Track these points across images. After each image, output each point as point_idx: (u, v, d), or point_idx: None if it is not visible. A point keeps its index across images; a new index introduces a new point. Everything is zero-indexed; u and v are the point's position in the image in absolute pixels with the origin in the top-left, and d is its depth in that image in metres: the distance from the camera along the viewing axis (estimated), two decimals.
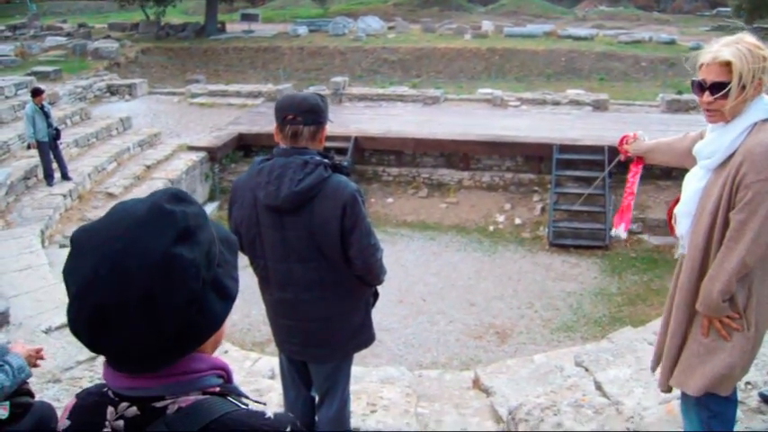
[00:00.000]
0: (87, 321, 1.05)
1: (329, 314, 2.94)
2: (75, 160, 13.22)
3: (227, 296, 1.15)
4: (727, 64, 2.44)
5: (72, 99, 18.64)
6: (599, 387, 4.53)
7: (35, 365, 2.71)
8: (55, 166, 11.90)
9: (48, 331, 6.32)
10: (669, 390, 2.83)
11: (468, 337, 9.75)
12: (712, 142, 2.58)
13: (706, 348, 2.58)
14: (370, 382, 5.16)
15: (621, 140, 3.24)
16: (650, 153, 3.13)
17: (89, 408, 1.17)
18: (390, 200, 14.88)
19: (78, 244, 1.11)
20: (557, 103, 19.26)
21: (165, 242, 1.05)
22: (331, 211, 2.71)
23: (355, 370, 5.77)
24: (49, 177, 11.78)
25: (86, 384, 4.90)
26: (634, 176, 3.30)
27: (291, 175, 2.69)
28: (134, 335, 1.05)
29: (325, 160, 2.77)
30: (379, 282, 3.04)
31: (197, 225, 1.11)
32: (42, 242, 9.50)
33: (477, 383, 5.72)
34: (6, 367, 2.48)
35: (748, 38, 2.47)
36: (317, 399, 3.28)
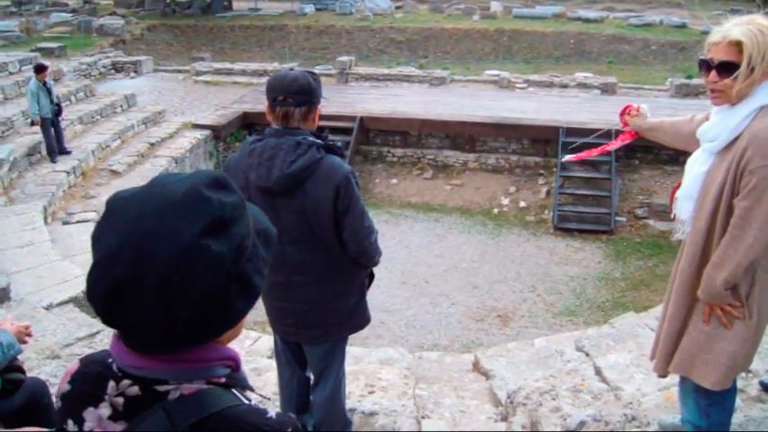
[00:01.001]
0: (104, 292, 1.03)
1: (323, 296, 2.90)
2: (79, 137, 13.19)
3: (250, 293, 1.11)
4: (738, 44, 2.36)
5: (76, 76, 18.56)
6: (599, 372, 4.51)
7: (24, 342, 2.69)
8: None
9: (48, 308, 6.33)
10: (665, 375, 2.79)
11: (470, 320, 9.74)
12: (716, 125, 2.52)
13: (707, 336, 2.54)
14: (369, 363, 5.16)
15: (624, 110, 3.15)
16: (653, 132, 3.05)
17: (91, 377, 1.15)
18: (395, 181, 14.83)
19: (111, 211, 1.08)
20: (564, 86, 19.09)
21: (195, 230, 1.02)
22: (324, 193, 2.66)
23: (355, 351, 5.79)
24: (52, 154, 11.77)
25: None
26: (620, 141, 3.21)
27: (283, 157, 2.64)
28: (147, 317, 1.02)
29: (318, 141, 2.71)
30: (374, 264, 3.00)
31: (232, 216, 1.07)
32: (45, 219, 9.49)
33: (476, 366, 5.71)
34: None
35: (760, 19, 2.39)
36: (311, 379, 3.26)
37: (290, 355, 3.20)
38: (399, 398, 4.04)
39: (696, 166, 2.61)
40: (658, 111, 3.21)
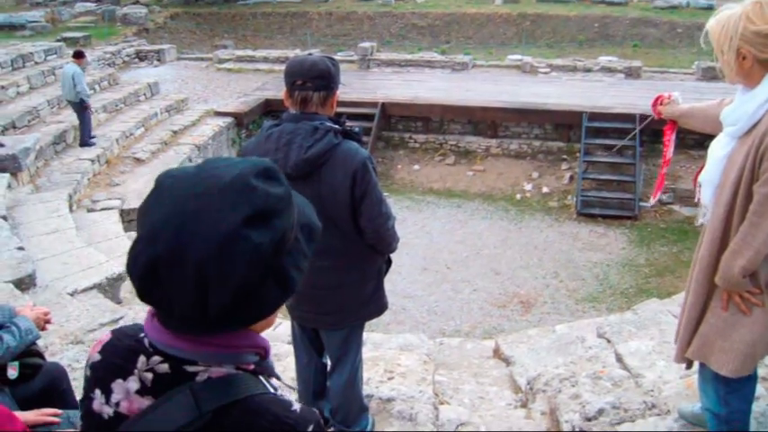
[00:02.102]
0: (141, 268, 1.03)
1: (340, 282, 2.89)
2: (104, 125, 13.31)
3: (286, 286, 1.09)
4: None
5: (101, 65, 18.71)
6: (620, 359, 4.47)
7: (43, 329, 2.72)
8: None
9: (73, 294, 6.41)
10: (686, 362, 2.75)
11: (492, 306, 9.72)
12: (737, 109, 2.47)
13: (725, 323, 2.50)
14: (389, 348, 5.15)
15: (656, 101, 3.10)
16: (684, 118, 3.00)
17: (122, 349, 1.16)
18: (417, 167, 14.79)
19: (161, 188, 1.08)
20: (588, 70, 18.87)
21: (237, 219, 1.01)
22: (341, 178, 2.64)
23: (375, 337, 5.80)
24: (88, 136, 12.11)
25: None
26: (668, 142, 3.18)
27: (300, 142, 2.63)
28: (180, 299, 1.02)
29: (336, 126, 2.69)
30: (392, 250, 2.98)
31: (276, 209, 1.06)
32: (70, 206, 9.60)
33: (497, 353, 5.69)
34: (14, 328, 2.49)
35: (752, 4, 2.31)
36: (328, 365, 3.26)
37: (308, 340, 3.20)
38: (418, 384, 4.03)
39: (717, 150, 2.56)
40: (684, 95, 3.14)
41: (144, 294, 1.06)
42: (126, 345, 1.16)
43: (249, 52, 22.13)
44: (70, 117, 12.78)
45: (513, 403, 4.51)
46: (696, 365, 2.77)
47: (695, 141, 13.07)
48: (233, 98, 16.46)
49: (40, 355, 2.73)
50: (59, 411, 2.44)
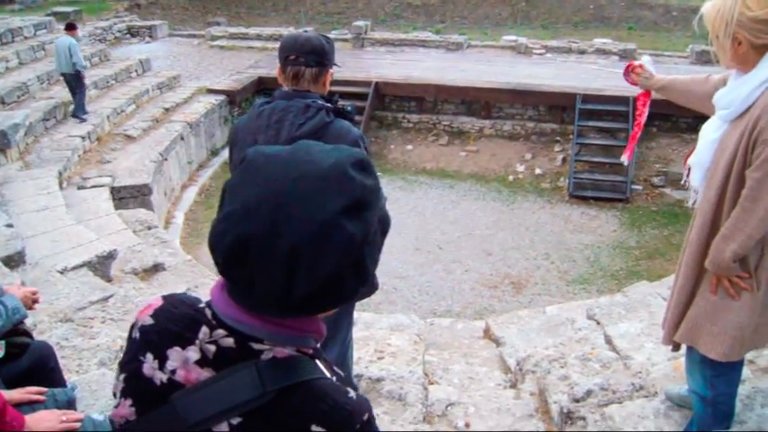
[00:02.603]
0: (229, 245, 1.02)
1: None
2: (94, 102, 13.19)
3: (363, 277, 1.08)
4: None
5: (92, 41, 18.54)
6: (609, 341, 4.49)
7: (31, 308, 2.70)
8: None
9: (63, 271, 6.38)
10: (673, 345, 2.76)
11: (484, 287, 9.75)
12: (731, 92, 2.45)
13: (714, 306, 2.50)
14: (380, 329, 5.16)
15: (627, 69, 3.07)
16: (665, 91, 2.94)
17: (179, 317, 1.14)
18: (410, 147, 14.76)
19: (253, 165, 1.07)
20: (582, 52, 18.82)
21: (335, 208, 1.00)
22: None
23: (366, 317, 5.80)
24: (82, 109, 12.17)
25: (98, 324, 4.95)
26: (643, 106, 3.15)
27: (292, 120, 2.60)
28: (267, 280, 1.01)
29: (328, 104, 2.66)
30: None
31: (370, 200, 1.05)
32: (60, 184, 9.53)
33: (487, 333, 5.71)
34: (0, 308, 2.47)
35: None
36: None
37: None
38: (408, 364, 4.05)
39: (709, 133, 2.54)
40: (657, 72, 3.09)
41: (227, 271, 1.05)
42: (183, 312, 1.15)
43: (242, 29, 21.95)
44: (60, 93, 12.67)
45: (502, 384, 4.52)
46: (683, 348, 2.77)
47: (687, 125, 13.09)
48: (225, 76, 16.35)
49: (28, 334, 2.71)
50: (44, 390, 2.43)
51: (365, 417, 1.11)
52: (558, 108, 14.52)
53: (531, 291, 9.65)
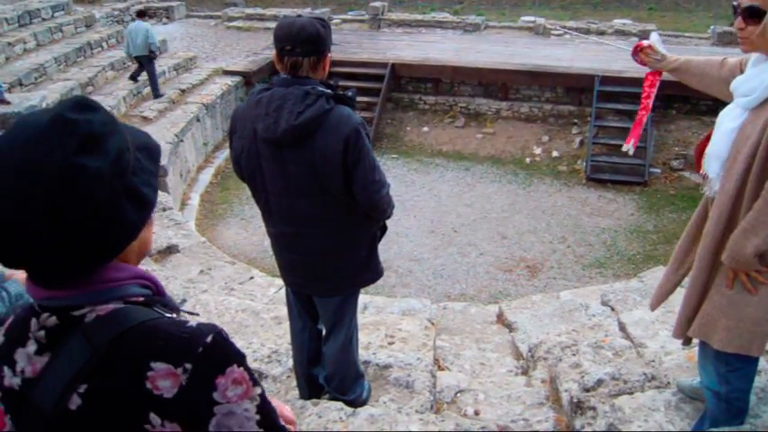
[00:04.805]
0: None
1: (332, 249, 2.85)
2: (111, 83, 13.23)
3: (143, 204, 1.11)
4: None
5: (109, 22, 18.54)
6: (623, 328, 4.44)
7: None
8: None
9: None
10: (686, 340, 2.70)
11: (498, 270, 9.69)
12: (752, 79, 2.35)
13: (729, 301, 2.42)
14: (391, 313, 5.13)
15: (635, 49, 2.96)
16: (678, 72, 2.83)
17: (19, 321, 1.16)
18: (426, 128, 14.66)
19: None
20: (602, 33, 18.55)
21: (67, 152, 1.01)
22: (333, 145, 2.56)
23: (378, 301, 5.78)
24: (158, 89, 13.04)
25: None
26: (651, 87, 3.04)
27: (291, 107, 2.55)
28: (43, 250, 1.02)
29: (328, 91, 2.61)
30: (386, 217, 2.92)
31: (103, 132, 1.06)
32: None
33: (500, 318, 5.67)
34: (3, 294, 2.46)
35: None
36: (323, 331, 3.24)
37: (302, 307, 3.17)
38: (419, 349, 4.02)
39: (727, 122, 2.44)
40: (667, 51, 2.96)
41: (9, 261, 1.05)
42: (22, 316, 1.16)
43: (259, 10, 21.85)
44: (77, 75, 12.71)
45: (513, 370, 4.49)
46: (695, 341, 2.71)
47: (708, 107, 12.87)
48: (242, 57, 16.30)
49: None
50: None
51: (208, 339, 1.09)
52: (575, 90, 14.33)
53: (547, 275, 9.57)
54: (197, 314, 1.26)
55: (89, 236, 1.03)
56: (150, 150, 1.18)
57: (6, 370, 1.13)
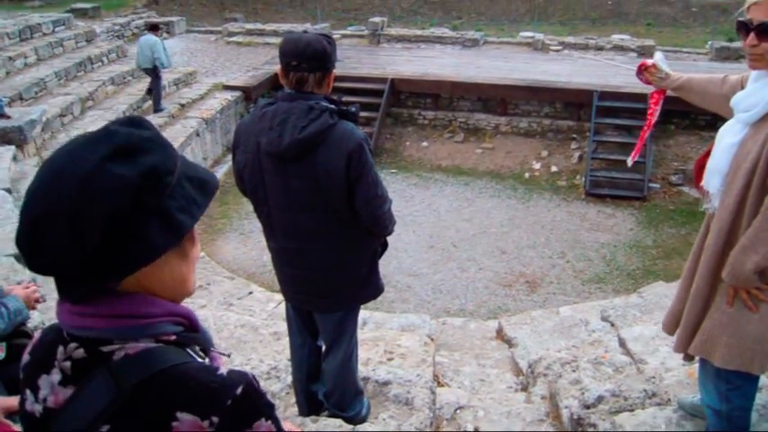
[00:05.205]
0: (24, 234, 1.03)
1: (334, 264, 2.85)
2: (111, 98, 13.25)
3: (173, 229, 1.08)
4: None
5: (109, 36, 18.61)
6: (623, 344, 4.43)
7: (33, 308, 2.69)
8: None
9: None
10: (687, 356, 2.68)
11: (498, 286, 9.67)
12: (753, 94, 2.35)
13: (730, 318, 2.41)
14: (390, 329, 5.12)
15: (639, 68, 2.98)
16: (681, 91, 2.84)
17: (45, 344, 1.14)
18: (425, 143, 14.69)
19: (43, 163, 1.10)
20: (600, 49, 18.62)
21: (100, 155, 1.02)
22: (336, 160, 2.57)
23: (377, 316, 5.76)
24: (160, 103, 13.11)
25: None
26: (655, 105, 3.06)
27: (295, 122, 2.57)
28: (60, 250, 1.01)
29: (332, 106, 2.62)
30: (388, 233, 2.92)
31: (142, 147, 1.06)
32: None
33: (500, 334, 5.66)
34: (2, 309, 2.46)
35: None
36: (323, 347, 3.23)
37: (302, 323, 3.17)
38: (418, 365, 4.00)
39: (728, 137, 2.44)
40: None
41: (31, 262, 1.04)
42: (49, 339, 1.14)
43: (259, 26, 21.94)
44: (77, 89, 12.73)
45: (513, 386, 4.48)
46: (696, 357, 2.70)
47: (706, 122, 12.92)
48: (242, 72, 16.36)
49: (29, 336, 2.70)
50: None
51: (238, 390, 1.06)
52: (574, 105, 14.38)
53: (546, 290, 9.56)
54: (228, 355, 1.23)
55: (101, 243, 1.01)
56: (204, 184, 1.18)
57: (29, 394, 1.12)
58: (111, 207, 1.00)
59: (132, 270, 1.07)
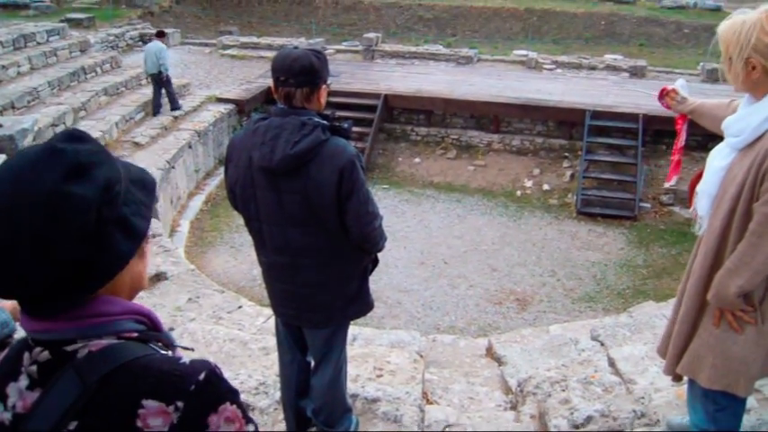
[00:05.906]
0: None
1: (325, 280, 2.84)
2: (104, 109, 13.23)
3: (133, 234, 1.12)
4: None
5: (104, 47, 18.60)
6: (612, 364, 4.42)
7: (19, 320, 2.65)
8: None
9: None
10: (676, 377, 2.69)
11: (488, 303, 9.67)
12: (741, 119, 2.38)
13: (716, 339, 2.42)
14: (380, 345, 5.10)
15: (661, 93, 3.02)
16: (694, 114, 2.89)
17: (12, 355, 1.15)
18: (418, 160, 14.72)
19: None
20: (593, 68, 18.78)
21: (54, 179, 1.02)
22: (327, 175, 2.58)
23: (367, 332, 5.74)
24: (159, 108, 13.67)
25: None
26: (680, 131, 3.12)
27: (287, 137, 2.57)
28: (30, 277, 1.02)
29: (324, 122, 2.63)
30: (378, 249, 2.92)
31: (91, 162, 1.07)
32: None
33: (490, 352, 5.64)
34: None
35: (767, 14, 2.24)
36: (312, 364, 3.21)
37: (291, 339, 3.15)
38: (407, 382, 3.98)
39: (717, 160, 2.47)
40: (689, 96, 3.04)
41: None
42: (16, 349, 1.15)
43: (254, 39, 22.01)
44: (70, 99, 12.70)
45: (502, 405, 4.46)
46: (685, 378, 2.70)
47: (698, 143, 12.98)
48: (235, 85, 16.39)
49: None
50: None
51: (201, 376, 1.09)
52: (567, 124, 14.47)
53: (537, 308, 9.56)
54: (192, 349, 1.25)
55: (75, 264, 1.03)
56: (145, 183, 1.20)
57: None
58: (77, 228, 1.02)
59: (104, 283, 1.10)
